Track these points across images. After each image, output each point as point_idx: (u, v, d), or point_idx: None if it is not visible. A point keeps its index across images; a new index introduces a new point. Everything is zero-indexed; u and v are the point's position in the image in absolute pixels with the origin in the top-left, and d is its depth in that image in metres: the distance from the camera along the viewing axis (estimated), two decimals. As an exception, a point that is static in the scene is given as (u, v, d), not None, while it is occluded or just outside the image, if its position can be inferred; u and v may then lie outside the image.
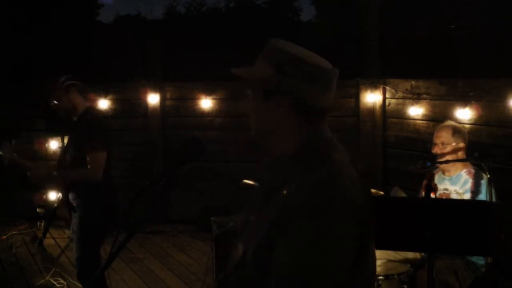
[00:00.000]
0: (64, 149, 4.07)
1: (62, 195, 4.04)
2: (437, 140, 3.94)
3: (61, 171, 4.00)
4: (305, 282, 1.49)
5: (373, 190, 4.18)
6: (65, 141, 4.14)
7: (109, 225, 4.04)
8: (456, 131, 3.94)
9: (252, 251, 1.62)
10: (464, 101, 5.48)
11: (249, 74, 1.70)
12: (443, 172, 3.97)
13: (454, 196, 3.83)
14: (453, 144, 3.89)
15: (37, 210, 6.66)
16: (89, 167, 3.84)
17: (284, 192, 1.58)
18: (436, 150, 3.90)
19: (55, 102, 3.96)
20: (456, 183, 3.88)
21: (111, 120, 7.16)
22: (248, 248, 1.64)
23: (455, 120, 5.42)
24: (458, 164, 3.91)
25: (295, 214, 1.52)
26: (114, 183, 4.22)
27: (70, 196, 3.97)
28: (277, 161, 1.71)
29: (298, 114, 1.66)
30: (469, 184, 3.81)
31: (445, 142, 3.90)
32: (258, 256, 1.59)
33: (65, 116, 4.03)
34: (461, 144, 3.92)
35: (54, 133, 6.71)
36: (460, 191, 3.83)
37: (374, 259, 1.71)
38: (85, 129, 3.90)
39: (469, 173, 3.87)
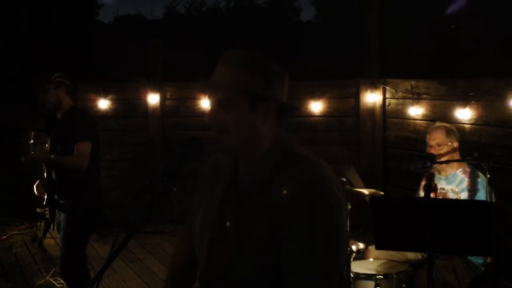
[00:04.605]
0: (50, 145, 4.10)
1: (47, 193, 4.08)
2: (432, 142, 3.93)
3: (54, 156, 4.02)
4: (332, 278, 1.60)
5: (373, 190, 4.19)
6: (48, 140, 4.17)
7: (95, 224, 4.12)
8: (450, 131, 3.95)
9: (254, 253, 1.64)
10: (464, 101, 5.48)
11: (235, 85, 1.68)
12: (439, 172, 3.98)
13: (450, 195, 3.84)
14: (449, 144, 3.90)
15: (37, 210, 6.66)
16: (75, 155, 3.88)
17: (284, 192, 1.60)
18: (432, 152, 3.90)
19: (41, 95, 4.01)
20: (452, 182, 3.89)
21: (111, 120, 7.17)
22: (245, 249, 1.65)
23: (455, 120, 5.43)
24: (454, 164, 3.92)
25: (305, 213, 1.59)
26: (115, 183, 4.24)
27: (56, 194, 4.01)
28: (249, 160, 1.73)
29: (278, 117, 1.73)
30: (465, 183, 3.82)
31: (441, 143, 3.90)
32: (262, 257, 1.62)
33: (48, 111, 4.09)
34: (455, 144, 3.93)
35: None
36: (456, 190, 3.83)
37: None
38: (70, 123, 3.99)
39: (464, 172, 3.88)
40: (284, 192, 1.60)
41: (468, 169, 3.89)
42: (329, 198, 1.61)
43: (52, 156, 3.98)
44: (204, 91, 7.06)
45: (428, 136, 4.01)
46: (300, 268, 1.58)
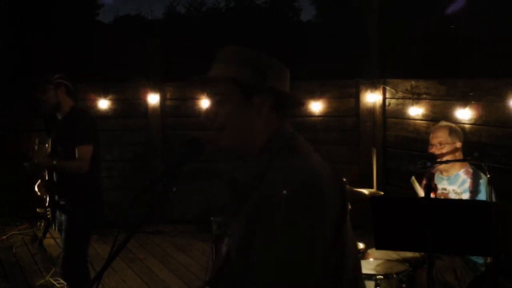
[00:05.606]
0: (51, 146, 4.12)
1: (48, 195, 4.09)
2: (434, 141, 3.93)
3: (56, 161, 4.04)
4: (289, 278, 1.51)
5: (373, 190, 4.19)
6: (49, 140, 4.18)
7: (95, 225, 4.13)
8: (453, 131, 3.94)
9: (235, 251, 1.63)
10: (464, 101, 5.48)
11: (225, 77, 1.67)
12: (441, 172, 3.97)
13: (452, 195, 3.83)
14: (451, 143, 3.89)
15: (37, 210, 6.68)
16: (76, 159, 3.89)
17: (265, 189, 1.58)
18: (434, 150, 3.90)
19: (40, 95, 4.02)
20: (454, 182, 3.88)
21: (111, 120, 7.18)
22: (231, 248, 1.65)
23: (455, 120, 5.43)
24: (456, 164, 3.91)
25: (271, 208, 1.53)
26: (115, 183, 4.26)
27: (57, 195, 4.02)
28: (247, 157, 1.72)
29: (275, 111, 1.70)
30: (467, 184, 3.81)
31: (443, 142, 3.89)
32: (242, 255, 1.60)
33: (48, 112, 4.10)
34: (458, 144, 3.92)
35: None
36: (458, 190, 3.83)
37: (352, 248, 1.70)
38: (71, 124, 3.99)
39: (467, 172, 3.87)
40: (265, 189, 1.57)
41: (470, 170, 3.88)
42: (302, 197, 1.52)
43: (55, 162, 3.97)
44: (203, 90, 7.06)
45: (431, 135, 4.01)
46: (264, 266, 1.53)
